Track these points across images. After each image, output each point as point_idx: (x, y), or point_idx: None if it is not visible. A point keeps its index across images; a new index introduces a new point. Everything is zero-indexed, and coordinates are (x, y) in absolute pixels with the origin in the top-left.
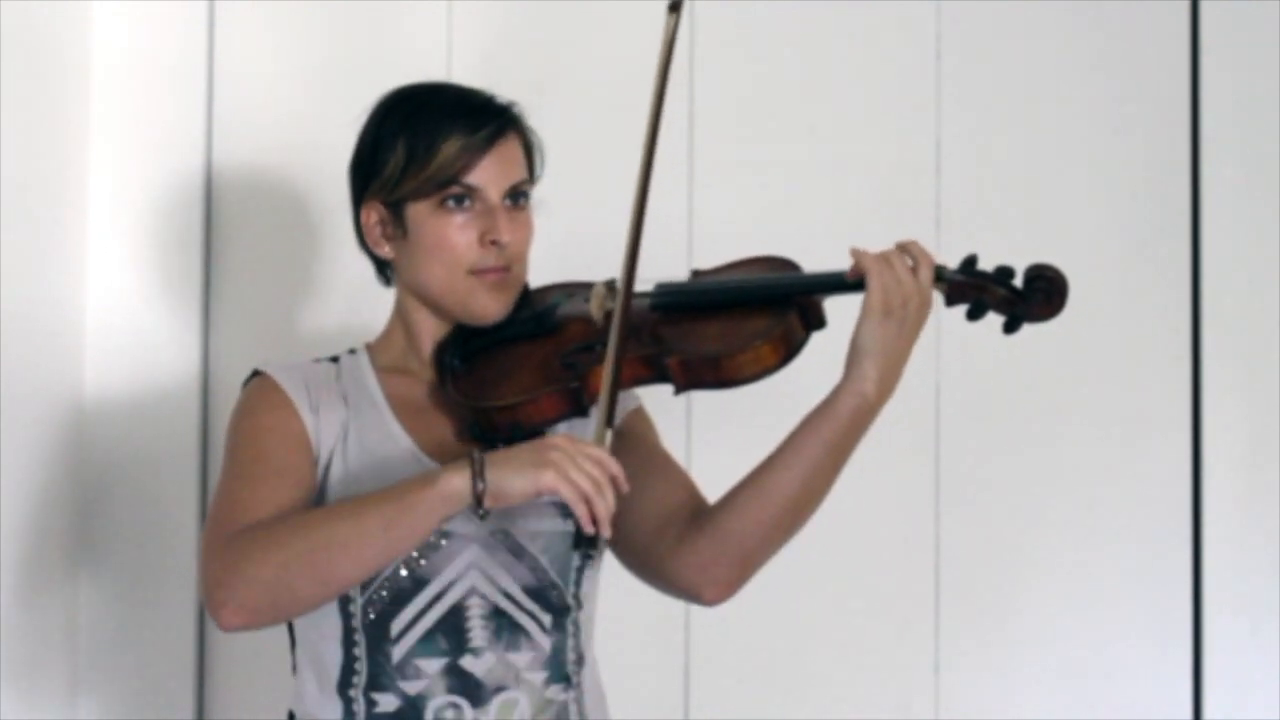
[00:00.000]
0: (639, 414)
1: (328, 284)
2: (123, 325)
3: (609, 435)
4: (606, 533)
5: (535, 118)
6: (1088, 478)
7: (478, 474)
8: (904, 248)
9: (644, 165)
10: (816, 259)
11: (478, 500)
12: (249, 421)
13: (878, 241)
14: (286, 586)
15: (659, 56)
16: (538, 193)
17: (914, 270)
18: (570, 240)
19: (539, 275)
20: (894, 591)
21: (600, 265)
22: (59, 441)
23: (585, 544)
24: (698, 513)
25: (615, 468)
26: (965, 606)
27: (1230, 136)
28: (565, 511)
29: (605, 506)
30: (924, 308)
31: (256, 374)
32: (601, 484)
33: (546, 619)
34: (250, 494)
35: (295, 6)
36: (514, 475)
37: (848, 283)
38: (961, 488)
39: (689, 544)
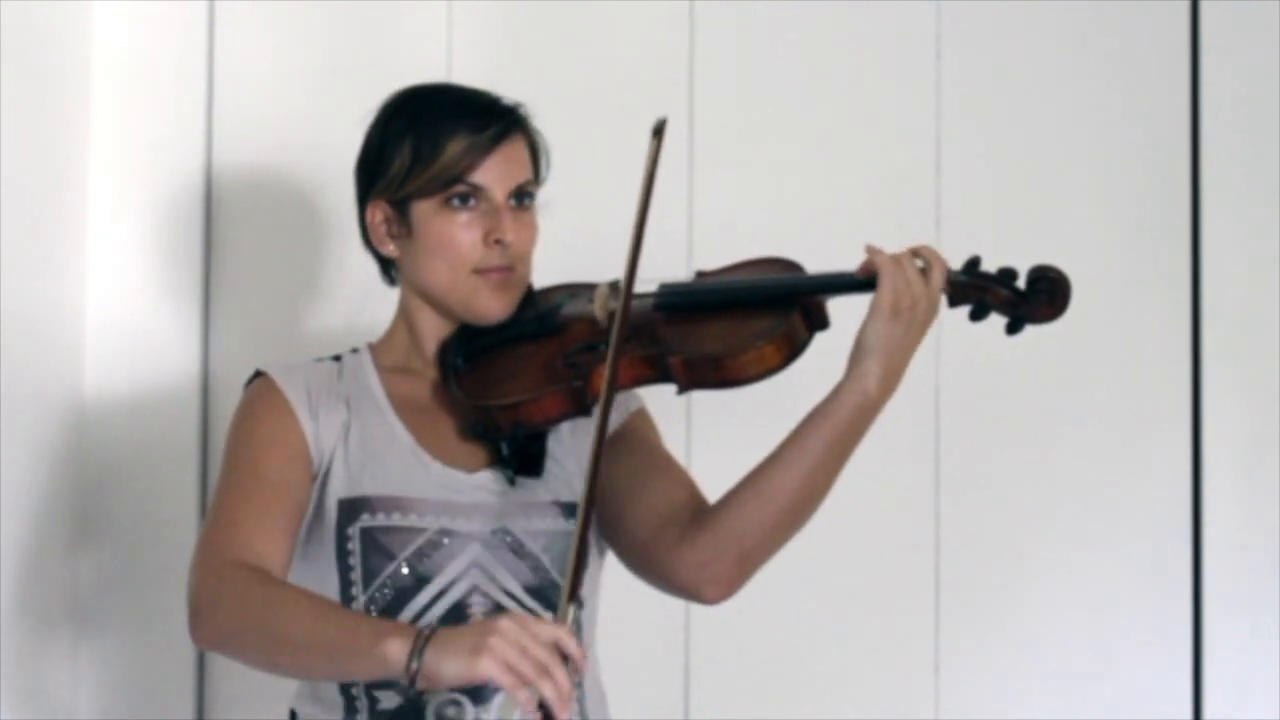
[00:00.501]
0: (640, 414)
1: (328, 284)
2: (123, 325)
3: (572, 610)
4: (563, 716)
5: (536, 118)
6: (1088, 477)
7: (416, 651)
8: (916, 251)
9: (630, 263)
10: (817, 259)
11: (410, 680)
12: (248, 427)
13: (878, 241)
14: (242, 647)
15: (643, 177)
16: (542, 194)
17: (925, 273)
18: (573, 242)
19: (543, 277)
20: (894, 591)
21: (603, 267)
22: (59, 441)
23: None
24: (698, 512)
25: (572, 648)
26: (965, 606)
27: (1230, 136)
28: (567, 511)
29: (555, 690)
30: (932, 310)
31: (259, 374)
32: (549, 667)
33: (548, 618)
34: (244, 508)
35: (295, 6)
36: (450, 659)
37: (853, 283)
38: (961, 487)
39: (689, 543)
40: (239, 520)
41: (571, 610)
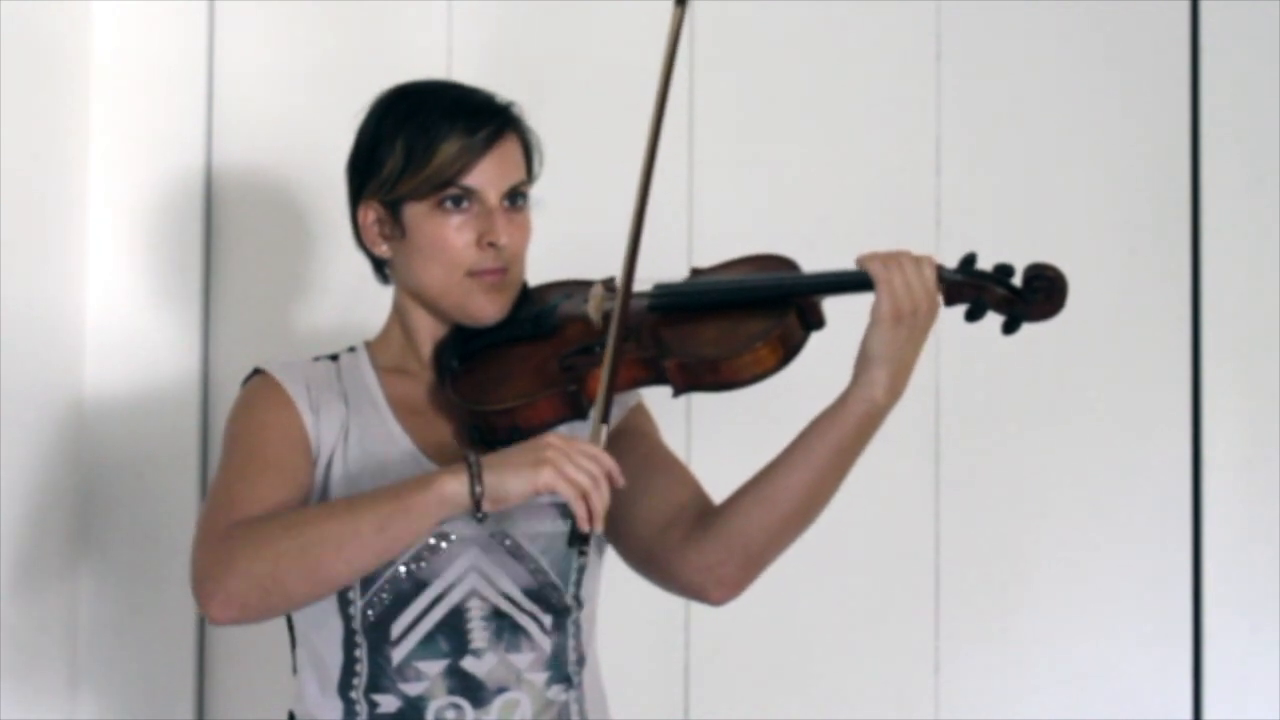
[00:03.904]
0: (640, 410)
1: (328, 284)
2: (123, 325)
3: (604, 431)
4: (599, 528)
5: (535, 117)
6: (1088, 477)
7: (475, 477)
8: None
9: (647, 160)
10: (816, 259)
11: (476, 504)
12: (248, 418)
13: (877, 242)
14: (277, 582)
15: (665, 50)
16: (537, 191)
17: (919, 274)
18: (571, 239)
19: (542, 274)
20: (894, 591)
21: (601, 264)
22: (59, 441)
23: (579, 540)
24: (703, 511)
25: (610, 463)
26: (965, 606)
27: (1230, 136)
28: (565, 512)
29: (601, 502)
30: (933, 311)
31: (257, 372)
32: (598, 479)
33: (547, 620)
34: (247, 489)
35: (295, 6)
36: (511, 476)
37: (848, 282)
38: (961, 488)
39: (694, 545)
40: (241, 499)
41: (604, 431)
